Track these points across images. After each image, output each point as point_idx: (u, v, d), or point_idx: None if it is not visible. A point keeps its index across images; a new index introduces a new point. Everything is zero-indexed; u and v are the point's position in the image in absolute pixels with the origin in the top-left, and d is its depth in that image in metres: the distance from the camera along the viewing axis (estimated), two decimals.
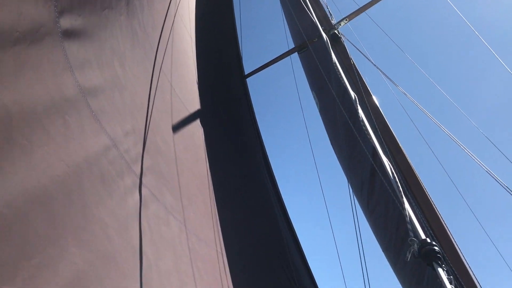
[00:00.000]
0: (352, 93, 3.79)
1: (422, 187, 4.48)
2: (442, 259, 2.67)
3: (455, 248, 3.93)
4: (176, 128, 5.22)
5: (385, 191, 4.99)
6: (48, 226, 1.97)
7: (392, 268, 6.00)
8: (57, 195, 2.13)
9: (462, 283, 3.39)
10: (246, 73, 8.96)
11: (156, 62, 5.24)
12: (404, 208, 2.93)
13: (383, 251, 6.19)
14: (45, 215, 1.97)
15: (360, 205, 6.30)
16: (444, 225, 4.10)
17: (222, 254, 5.00)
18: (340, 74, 4.07)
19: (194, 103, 6.33)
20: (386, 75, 5.28)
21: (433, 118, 4.44)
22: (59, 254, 1.98)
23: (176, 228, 4.01)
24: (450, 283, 2.55)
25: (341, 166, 6.88)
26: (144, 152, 3.89)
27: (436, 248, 2.68)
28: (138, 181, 3.53)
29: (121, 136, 3.49)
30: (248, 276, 5.32)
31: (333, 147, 6.98)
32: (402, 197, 3.01)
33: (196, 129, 6.00)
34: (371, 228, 6.26)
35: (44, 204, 2.00)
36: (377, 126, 4.67)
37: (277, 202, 7.82)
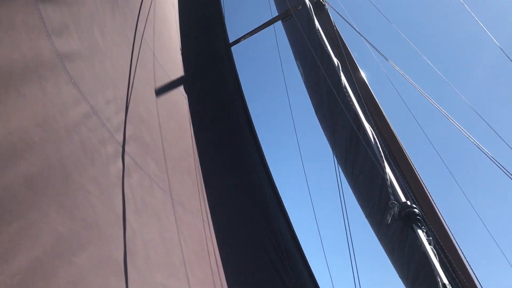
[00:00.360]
0: (335, 60, 3.77)
1: (404, 153, 4.53)
2: (422, 221, 2.72)
3: (436, 212, 4.01)
4: (159, 97, 5.16)
5: (368, 158, 5.03)
6: (27, 191, 1.95)
7: (376, 234, 6.12)
8: (34, 160, 2.10)
9: (442, 246, 3.48)
10: (230, 41, 8.84)
11: (137, 31, 5.13)
12: (385, 172, 2.97)
13: (366, 217, 6.29)
14: (23, 180, 1.95)
15: (344, 174, 6.36)
16: (426, 190, 4.17)
17: (208, 223, 5.03)
18: (323, 41, 4.04)
19: (177, 73, 6.25)
20: (368, 42, 5.26)
21: (412, 83, 4.45)
22: (39, 219, 1.97)
23: (160, 197, 4.01)
24: (430, 244, 2.61)
25: (326, 136, 6.91)
26: (127, 121, 3.85)
27: (416, 210, 2.73)
28: (120, 149, 3.50)
29: (102, 104, 3.44)
30: (234, 244, 5.38)
31: (317, 117, 6.99)
32: (383, 161, 3.04)
33: (180, 98, 5.94)
34: (355, 196, 6.34)
35: (21, 169, 1.97)
36: (360, 93, 4.67)
37: (265, 175, 7.85)
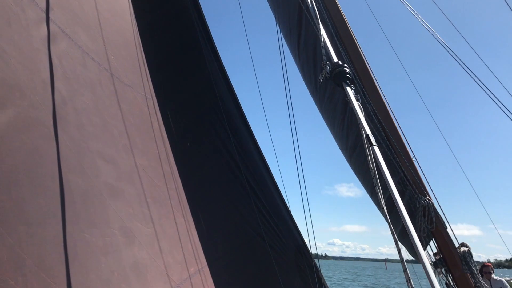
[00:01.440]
0: None
1: (342, 17, 4.47)
2: (351, 79, 2.77)
3: (368, 72, 4.10)
4: None
5: (312, 33, 4.97)
6: None
7: (319, 109, 6.30)
8: None
9: (372, 104, 3.61)
10: None
11: None
12: (319, 34, 2.94)
13: (311, 94, 6.42)
14: None
15: (290, 50, 6.32)
16: (361, 52, 4.21)
17: (152, 99, 4.96)
18: None
19: None
20: None
21: None
22: None
23: (94, 69, 3.85)
24: (357, 100, 2.70)
25: (272, 12, 6.71)
26: None
27: (346, 69, 2.76)
28: (44, 15, 3.25)
29: None
30: (179, 118, 5.37)
31: None
32: (319, 23, 3.00)
33: None
34: (300, 73, 6.38)
35: None
36: None
37: (209, 48, 7.51)
